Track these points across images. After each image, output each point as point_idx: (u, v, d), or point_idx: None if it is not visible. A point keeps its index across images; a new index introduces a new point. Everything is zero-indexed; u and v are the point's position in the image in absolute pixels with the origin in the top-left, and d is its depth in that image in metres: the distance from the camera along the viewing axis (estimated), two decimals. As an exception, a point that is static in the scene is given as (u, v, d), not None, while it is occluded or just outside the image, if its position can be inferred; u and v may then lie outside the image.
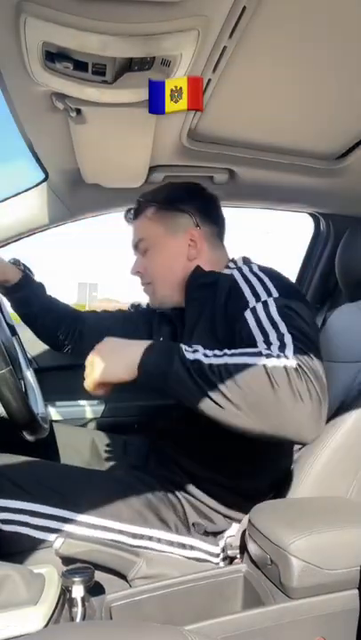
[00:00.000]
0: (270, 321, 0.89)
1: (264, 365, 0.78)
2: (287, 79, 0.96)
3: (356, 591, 0.73)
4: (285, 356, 0.80)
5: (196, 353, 0.85)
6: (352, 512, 0.85)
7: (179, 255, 1.16)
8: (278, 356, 0.80)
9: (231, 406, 0.77)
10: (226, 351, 0.84)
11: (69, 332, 1.36)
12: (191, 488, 1.02)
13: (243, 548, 0.90)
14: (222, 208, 1.27)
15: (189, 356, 0.84)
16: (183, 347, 0.86)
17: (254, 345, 0.85)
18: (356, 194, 1.47)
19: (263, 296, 0.95)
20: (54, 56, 0.78)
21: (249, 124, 1.17)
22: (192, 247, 1.15)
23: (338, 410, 1.05)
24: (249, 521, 0.84)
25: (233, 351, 0.83)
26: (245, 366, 0.79)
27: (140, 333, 1.33)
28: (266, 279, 0.99)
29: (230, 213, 1.22)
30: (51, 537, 0.91)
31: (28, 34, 0.73)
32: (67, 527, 0.92)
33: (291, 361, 0.79)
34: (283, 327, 0.87)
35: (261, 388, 0.76)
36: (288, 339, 0.84)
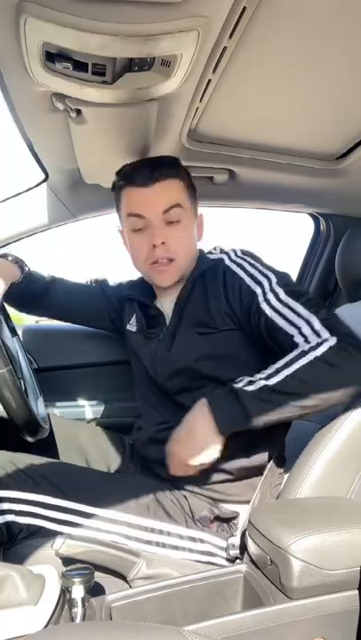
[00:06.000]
0: (288, 307, 1.00)
1: (316, 358, 0.90)
2: (287, 79, 0.96)
3: (357, 592, 0.73)
4: (324, 339, 0.92)
5: (254, 383, 0.92)
6: (352, 512, 0.85)
7: (194, 236, 1.18)
8: (319, 344, 0.91)
9: (311, 402, 0.89)
10: (275, 366, 0.93)
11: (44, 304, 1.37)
12: (189, 483, 1.04)
13: (243, 548, 0.90)
14: (222, 208, 1.28)
15: (253, 388, 0.91)
16: (238, 386, 0.93)
17: (291, 339, 0.96)
18: (356, 194, 1.47)
19: (266, 283, 1.05)
20: (54, 56, 0.78)
21: (249, 125, 1.17)
22: (198, 231, 1.19)
23: (338, 410, 1.05)
24: (249, 521, 0.84)
25: (282, 362, 0.93)
26: (303, 368, 0.90)
27: (102, 312, 1.37)
28: (258, 264, 1.10)
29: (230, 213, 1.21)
30: (64, 529, 0.92)
31: (28, 34, 0.73)
32: (80, 520, 0.92)
33: (330, 340, 0.92)
34: (301, 309, 0.99)
35: (325, 374, 0.89)
36: (314, 320, 0.96)
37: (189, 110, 1.05)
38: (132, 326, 1.26)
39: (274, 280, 1.05)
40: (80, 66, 0.79)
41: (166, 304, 1.18)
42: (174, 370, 1.10)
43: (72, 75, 0.82)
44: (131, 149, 1.16)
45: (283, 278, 1.07)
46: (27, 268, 1.28)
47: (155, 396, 1.16)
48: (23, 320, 1.75)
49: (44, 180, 1.41)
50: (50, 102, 0.95)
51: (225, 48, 0.85)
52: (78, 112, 0.97)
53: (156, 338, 1.17)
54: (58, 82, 0.85)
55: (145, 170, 1.09)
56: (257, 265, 1.11)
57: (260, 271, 1.09)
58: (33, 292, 1.31)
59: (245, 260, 1.13)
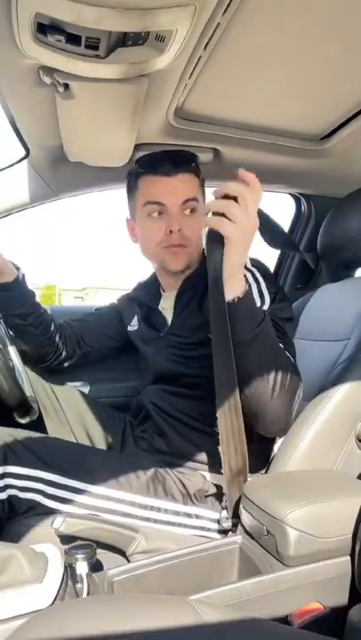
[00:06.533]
0: None
1: None
2: (275, 59, 0.96)
3: (348, 558, 0.77)
4: None
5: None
6: (343, 483, 0.88)
7: (203, 228, 1.17)
8: None
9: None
10: None
11: (74, 342, 1.36)
12: (184, 458, 1.07)
13: (235, 520, 0.92)
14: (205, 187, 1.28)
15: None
16: None
17: None
18: (338, 175, 1.48)
19: (258, 302, 1.01)
20: (46, 28, 0.76)
21: (235, 103, 1.16)
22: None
23: (323, 386, 1.08)
24: (243, 495, 0.87)
25: None
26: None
27: (118, 324, 1.42)
28: (260, 279, 1.06)
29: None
30: (62, 507, 0.93)
31: (20, 4, 0.71)
32: (79, 498, 0.93)
33: None
34: None
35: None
36: None
37: (178, 87, 1.04)
38: (132, 327, 1.33)
39: (267, 305, 1.03)
40: (73, 39, 0.77)
41: (167, 305, 1.24)
42: (173, 364, 1.15)
43: (64, 48, 0.79)
44: (118, 126, 1.14)
45: (277, 309, 1.03)
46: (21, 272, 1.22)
47: (157, 385, 1.21)
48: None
49: (25, 157, 1.37)
50: (36, 76, 0.92)
51: (218, 24, 0.84)
52: (66, 87, 0.94)
53: (157, 336, 1.23)
54: (48, 55, 0.82)
55: (166, 160, 1.13)
56: (260, 281, 1.06)
57: (259, 290, 1.05)
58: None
59: (250, 272, 1.07)
